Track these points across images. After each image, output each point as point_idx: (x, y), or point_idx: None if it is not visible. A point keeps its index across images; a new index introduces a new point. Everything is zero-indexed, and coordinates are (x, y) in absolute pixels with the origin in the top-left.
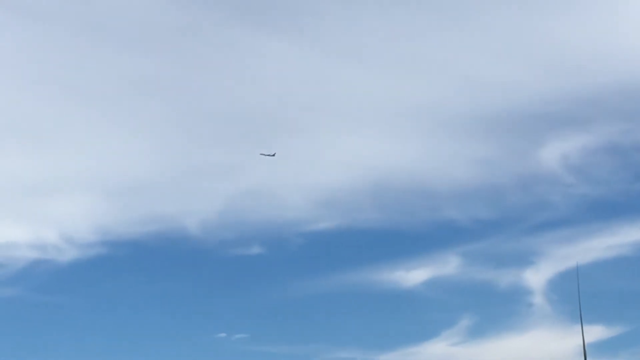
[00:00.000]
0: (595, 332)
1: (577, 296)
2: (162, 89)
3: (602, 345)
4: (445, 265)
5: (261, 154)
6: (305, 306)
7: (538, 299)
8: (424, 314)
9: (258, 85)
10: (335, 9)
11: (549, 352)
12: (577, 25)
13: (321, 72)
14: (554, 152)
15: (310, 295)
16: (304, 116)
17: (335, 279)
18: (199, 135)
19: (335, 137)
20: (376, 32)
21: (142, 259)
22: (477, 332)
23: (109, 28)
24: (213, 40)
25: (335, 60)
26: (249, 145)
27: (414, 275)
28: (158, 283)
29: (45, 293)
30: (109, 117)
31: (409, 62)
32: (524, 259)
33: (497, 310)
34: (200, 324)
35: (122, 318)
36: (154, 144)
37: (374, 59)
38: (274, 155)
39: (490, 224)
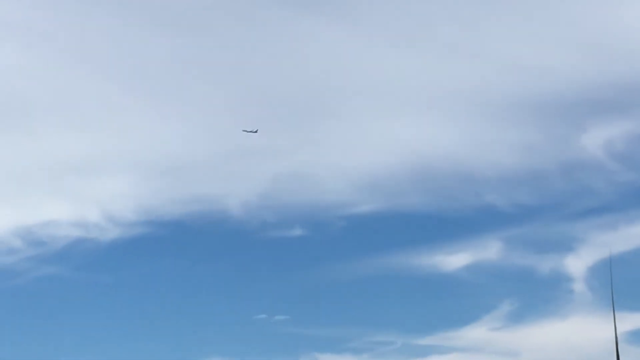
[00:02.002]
0: (635, 320)
1: (611, 284)
2: (208, 70)
3: None
4: (486, 250)
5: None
6: (346, 289)
7: (578, 286)
8: (464, 299)
9: (303, 68)
10: None
11: (589, 339)
12: (623, 9)
13: (366, 56)
14: (598, 138)
15: (350, 278)
16: (348, 99)
17: (376, 262)
18: (243, 117)
19: (379, 120)
20: (421, 16)
21: (183, 239)
22: (517, 317)
23: (157, 8)
24: (259, 22)
25: (381, 45)
26: (292, 128)
27: (454, 259)
28: (199, 263)
29: (86, 271)
30: (154, 97)
31: (454, 46)
32: (565, 245)
33: (537, 296)
34: (240, 305)
35: (163, 298)
36: (197, 125)
37: (419, 43)
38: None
39: (532, 209)
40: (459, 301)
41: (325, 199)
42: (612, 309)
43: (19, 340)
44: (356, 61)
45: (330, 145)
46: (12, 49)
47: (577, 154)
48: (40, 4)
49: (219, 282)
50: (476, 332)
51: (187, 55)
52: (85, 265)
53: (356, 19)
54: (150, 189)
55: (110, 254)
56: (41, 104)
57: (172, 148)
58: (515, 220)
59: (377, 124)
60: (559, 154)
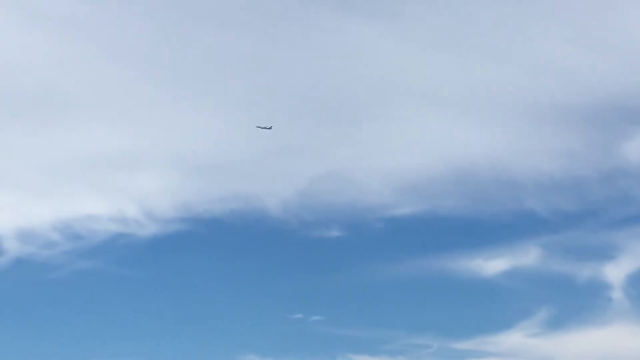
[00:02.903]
0: None
1: None
2: (250, 67)
3: None
4: (525, 256)
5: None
6: (383, 291)
7: (617, 294)
8: (502, 304)
9: (344, 68)
10: None
11: (626, 347)
12: None
13: (408, 57)
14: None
15: (388, 280)
16: (390, 100)
17: (414, 265)
18: (283, 115)
19: (420, 122)
20: (463, 19)
21: (221, 236)
22: (555, 324)
23: (198, 5)
24: (301, 20)
25: (424, 46)
26: (332, 128)
27: (493, 264)
28: (236, 261)
29: (124, 267)
30: (195, 94)
31: (497, 50)
32: (605, 253)
33: (576, 303)
34: (277, 304)
35: (199, 295)
36: (238, 122)
37: (461, 46)
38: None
39: (572, 216)
40: (496, 306)
41: (364, 200)
42: None
43: (54, 334)
44: (398, 62)
45: (370, 146)
46: (53, 44)
47: (618, 161)
48: None
49: (256, 281)
50: (513, 338)
51: (227, 52)
52: (122, 260)
53: (400, 19)
54: (190, 186)
55: (148, 249)
56: (81, 98)
57: (212, 145)
58: (554, 227)
59: (418, 126)
60: (600, 161)
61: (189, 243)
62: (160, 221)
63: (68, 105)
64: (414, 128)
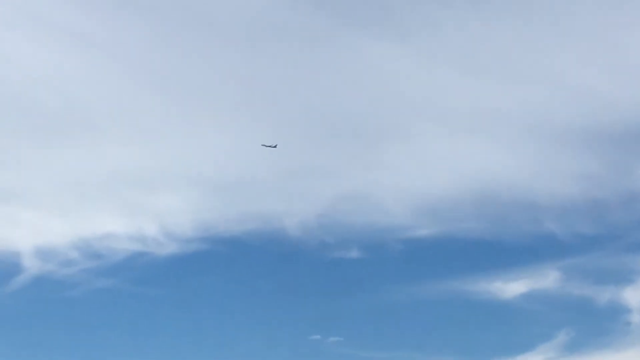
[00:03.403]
0: None
1: None
2: (269, 88)
3: None
4: (544, 279)
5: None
6: (402, 312)
7: (636, 317)
8: (521, 327)
9: (365, 89)
10: (448, 17)
11: None
12: None
13: (429, 79)
14: None
15: (407, 302)
16: (409, 122)
17: (433, 286)
18: (303, 136)
19: (440, 144)
20: (486, 41)
21: (240, 256)
22: (574, 347)
23: (218, 25)
24: (321, 41)
25: (445, 68)
26: (352, 149)
27: (512, 287)
28: (255, 281)
29: (142, 285)
30: (215, 113)
31: (517, 72)
32: (624, 277)
33: (595, 326)
34: (295, 324)
35: (217, 314)
36: (258, 143)
37: (481, 69)
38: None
39: (591, 239)
40: (515, 329)
41: (384, 221)
42: None
43: (72, 351)
44: (419, 85)
45: (389, 168)
46: (74, 61)
47: (638, 184)
48: (105, 17)
49: (274, 301)
50: None
51: (249, 74)
52: (141, 279)
53: (421, 42)
54: (209, 205)
55: (166, 268)
56: (102, 117)
57: (232, 164)
58: (574, 250)
59: (438, 148)
60: (619, 184)
61: (208, 262)
62: (179, 240)
63: (89, 123)
64: (434, 150)
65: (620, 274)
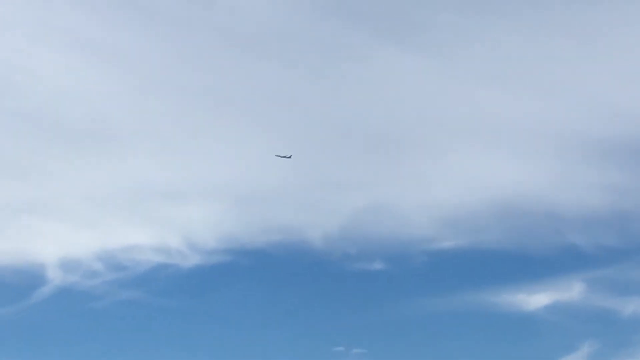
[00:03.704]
0: None
1: None
2: (294, 100)
3: None
4: (568, 291)
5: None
6: (425, 324)
7: None
8: (544, 339)
9: (387, 101)
10: (473, 29)
11: None
12: None
13: (452, 90)
14: None
15: (430, 314)
16: (433, 134)
17: (457, 298)
18: (326, 148)
19: (463, 156)
20: (511, 54)
21: (263, 268)
22: (598, 359)
23: (249, 37)
24: (346, 53)
25: (466, 80)
26: (375, 160)
27: (536, 299)
28: (278, 293)
29: (166, 297)
30: (239, 125)
31: (540, 84)
32: None
33: (619, 338)
34: (318, 336)
35: (240, 326)
36: (280, 154)
37: (504, 80)
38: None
39: (616, 251)
40: (539, 341)
41: (407, 233)
42: None
43: None
44: (442, 96)
45: (413, 179)
46: (99, 74)
47: None
48: (128, 31)
49: (298, 313)
50: None
51: (274, 85)
52: (165, 291)
53: (449, 54)
54: (233, 217)
55: (190, 280)
56: (126, 128)
57: (255, 176)
58: (598, 262)
59: (461, 159)
60: None
61: (232, 274)
62: (203, 252)
63: (112, 135)
64: (457, 161)
65: None
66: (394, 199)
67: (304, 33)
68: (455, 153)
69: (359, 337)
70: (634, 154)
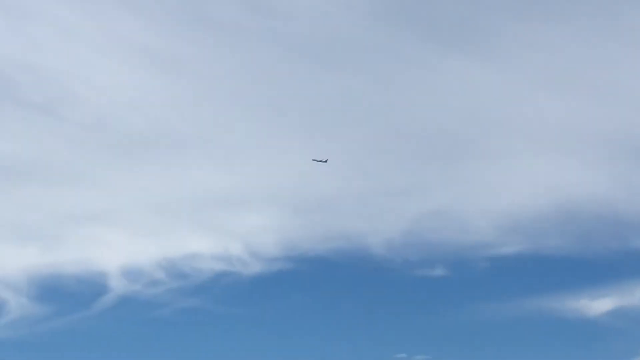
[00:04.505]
0: None
1: None
2: (353, 107)
3: None
4: (631, 296)
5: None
6: (487, 330)
7: None
8: (608, 344)
9: (449, 107)
10: (529, 33)
11: None
12: None
13: (513, 96)
14: None
15: (492, 320)
16: (494, 139)
17: (519, 304)
18: (387, 154)
19: (524, 161)
20: (574, 60)
21: (325, 275)
22: None
23: (304, 45)
24: (406, 60)
25: (529, 85)
26: (436, 167)
27: (598, 304)
28: (340, 300)
29: (227, 305)
30: (299, 133)
31: (602, 88)
32: None
33: None
34: (380, 342)
35: (303, 333)
36: (342, 161)
37: (565, 85)
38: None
39: None
40: (602, 346)
41: (469, 239)
42: None
43: None
44: (504, 102)
45: (474, 185)
46: (163, 84)
47: None
48: (189, 41)
49: (360, 320)
50: None
51: (333, 93)
52: (226, 298)
53: (508, 58)
54: (293, 224)
55: (252, 288)
56: (188, 137)
57: (316, 183)
58: None
59: (523, 165)
60: None
61: (293, 281)
62: (264, 260)
63: (174, 145)
64: (519, 167)
65: None
66: (455, 205)
67: (370, 42)
68: (517, 158)
69: (421, 343)
70: None
